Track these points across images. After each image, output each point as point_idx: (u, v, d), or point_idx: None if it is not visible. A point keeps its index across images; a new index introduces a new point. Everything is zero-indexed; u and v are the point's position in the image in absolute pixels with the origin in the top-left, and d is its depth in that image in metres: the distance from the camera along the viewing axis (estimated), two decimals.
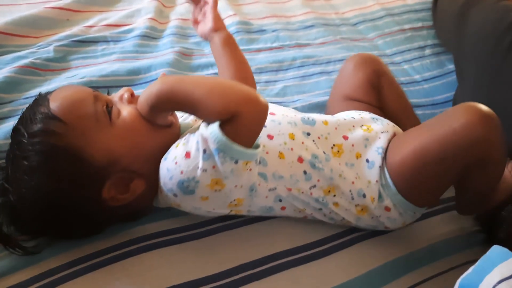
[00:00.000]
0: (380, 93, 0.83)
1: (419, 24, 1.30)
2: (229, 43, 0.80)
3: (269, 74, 1.04)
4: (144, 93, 0.59)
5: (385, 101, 0.83)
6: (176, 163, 0.56)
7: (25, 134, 0.56)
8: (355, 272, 0.66)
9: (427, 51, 1.20)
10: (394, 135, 0.72)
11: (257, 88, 0.60)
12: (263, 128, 0.59)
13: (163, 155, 0.59)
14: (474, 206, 0.74)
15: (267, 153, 0.63)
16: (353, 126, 0.71)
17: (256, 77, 1.00)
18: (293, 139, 0.66)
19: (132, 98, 0.63)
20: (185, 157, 0.55)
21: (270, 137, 0.65)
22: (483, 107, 0.62)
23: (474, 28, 1.06)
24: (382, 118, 0.76)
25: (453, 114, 0.65)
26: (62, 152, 0.56)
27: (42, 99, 0.60)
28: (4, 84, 0.86)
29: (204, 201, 0.58)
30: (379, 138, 0.70)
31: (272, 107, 0.68)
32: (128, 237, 0.65)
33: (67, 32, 1.05)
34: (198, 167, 0.54)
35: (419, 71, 1.12)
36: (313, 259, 0.67)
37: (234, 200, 0.60)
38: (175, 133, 0.63)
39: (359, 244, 0.70)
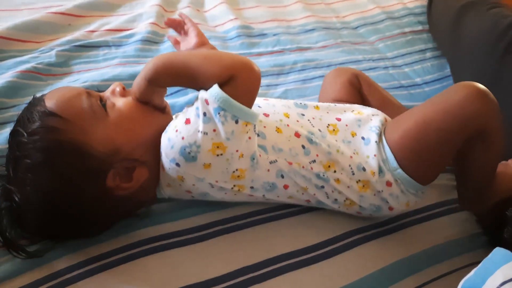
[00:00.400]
0: (361, 91, 0.87)
1: (420, 27, 1.30)
2: None
3: (270, 78, 1.04)
4: (141, 72, 0.60)
5: (368, 97, 0.86)
6: (176, 130, 0.58)
7: (24, 133, 0.57)
8: (357, 275, 0.66)
9: (428, 54, 1.20)
10: (385, 119, 0.74)
11: (258, 91, 0.62)
12: (259, 108, 0.62)
13: (160, 141, 0.60)
14: (476, 197, 0.74)
15: (264, 127, 0.65)
16: (344, 111, 0.74)
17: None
18: (288, 117, 0.68)
19: (124, 92, 0.64)
20: (185, 123, 0.58)
21: (266, 115, 0.67)
22: (480, 85, 0.65)
23: (469, 35, 1.07)
24: (370, 107, 0.78)
25: (453, 90, 0.68)
26: (63, 147, 0.57)
27: (37, 100, 0.61)
28: (6, 89, 0.86)
29: (207, 169, 0.58)
30: (371, 119, 0.72)
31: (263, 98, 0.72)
32: (131, 240, 0.65)
33: (69, 37, 1.06)
34: (198, 131, 0.56)
35: (420, 74, 1.12)
36: (315, 261, 0.67)
37: (237, 170, 0.60)
38: (170, 120, 0.63)
39: (360, 246, 0.70)
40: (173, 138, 0.58)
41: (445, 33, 1.20)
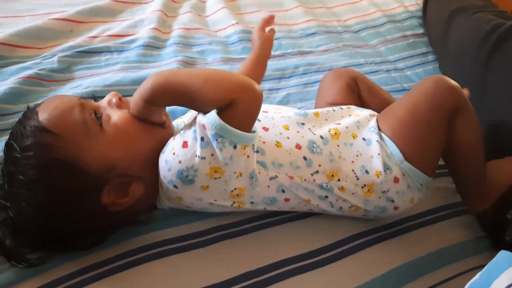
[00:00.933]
0: (360, 95, 0.86)
1: (421, 30, 1.31)
2: None
3: (272, 82, 1.05)
4: (138, 89, 0.59)
5: (368, 101, 0.85)
6: (174, 153, 0.57)
7: (18, 149, 0.56)
8: (360, 279, 0.66)
9: (430, 57, 1.20)
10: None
11: None
12: (257, 122, 0.60)
13: (158, 155, 0.59)
14: (475, 188, 0.74)
15: (264, 142, 0.64)
16: (342, 116, 0.74)
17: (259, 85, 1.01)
18: (288, 129, 0.67)
19: (121, 102, 0.63)
20: (182, 147, 0.56)
21: (265, 129, 0.66)
22: (441, 75, 0.74)
23: (455, 41, 1.08)
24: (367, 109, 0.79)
25: (425, 80, 0.74)
26: (57, 164, 0.56)
27: (30, 112, 0.60)
28: (9, 95, 0.86)
29: (204, 190, 0.58)
30: (369, 120, 0.73)
31: (264, 106, 0.70)
32: (133, 246, 0.64)
33: (71, 43, 1.06)
34: (196, 155, 0.55)
35: (422, 77, 1.12)
36: (319, 266, 0.66)
37: (235, 189, 0.60)
38: (169, 134, 0.62)
39: (364, 250, 0.70)
40: (170, 160, 0.57)
41: (436, 38, 1.20)
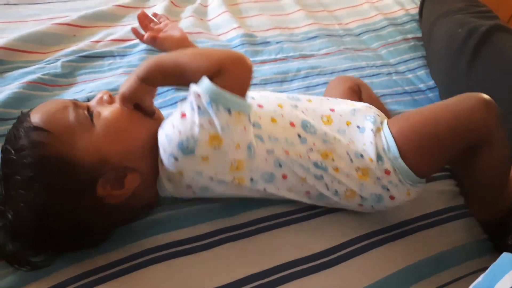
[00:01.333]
0: (361, 98, 0.91)
1: None
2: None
3: (274, 85, 1.05)
4: (132, 74, 0.62)
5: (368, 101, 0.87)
6: (173, 126, 0.59)
7: (12, 151, 0.57)
8: (363, 282, 0.66)
9: None
10: (379, 113, 0.76)
11: None
12: (252, 100, 0.63)
13: (152, 146, 0.61)
14: (491, 204, 0.74)
15: (260, 117, 0.66)
16: (338, 103, 0.76)
17: (261, 89, 1.02)
18: (282, 108, 0.69)
19: (111, 99, 0.65)
20: (181, 118, 0.58)
21: (260, 106, 0.69)
22: (486, 96, 0.69)
23: (436, 45, 1.07)
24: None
25: (463, 96, 0.71)
26: (51, 161, 0.57)
27: (23, 116, 0.61)
28: (12, 100, 0.87)
29: (204, 162, 0.59)
30: (366, 110, 0.74)
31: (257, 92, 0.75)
32: (136, 249, 0.65)
33: (74, 47, 1.07)
34: (195, 124, 0.57)
35: (423, 79, 1.12)
36: (323, 268, 0.67)
37: (235, 160, 0.60)
38: (160, 124, 0.63)
39: (367, 253, 0.70)
40: (170, 133, 0.59)
41: (424, 44, 1.20)
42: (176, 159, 0.59)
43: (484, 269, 0.51)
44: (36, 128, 0.58)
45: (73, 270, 0.61)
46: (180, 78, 0.61)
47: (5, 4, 1.21)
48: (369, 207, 0.71)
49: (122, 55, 1.09)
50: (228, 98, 0.57)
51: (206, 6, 1.38)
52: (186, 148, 0.58)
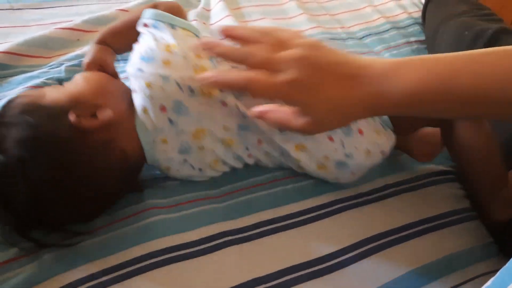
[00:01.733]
0: None
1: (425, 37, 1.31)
2: None
3: None
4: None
5: None
6: (135, 54, 0.68)
7: None
8: (370, 286, 0.66)
9: None
10: None
11: None
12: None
13: (122, 94, 0.69)
14: (495, 200, 0.75)
15: None
16: None
17: None
18: None
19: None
20: (140, 43, 0.69)
21: None
22: None
23: (442, 48, 1.07)
24: None
25: None
26: (26, 109, 0.61)
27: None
28: None
29: (167, 65, 0.65)
30: None
31: None
32: (139, 253, 0.64)
33: (78, 51, 1.07)
34: (150, 41, 0.67)
35: None
36: (329, 272, 0.66)
37: (197, 65, 0.66)
38: (127, 87, 0.71)
39: (373, 256, 0.69)
40: (133, 58, 0.68)
41: (428, 48, 1.20)
42: (141, 70, 0.65)
43: (490, 272, 0.51)
44: (11, 101, 0.63)
45: (78, 272, 0.60)
46: (127, 31, 0.74)
47: (8, 9, 1.22)
48: (338, 142, 0.71)
49: (125, 59, 1.08)
50: (168, 16, 0.68)
51: (209, 10, 1.39)
52: (147, 57, 0.65)
